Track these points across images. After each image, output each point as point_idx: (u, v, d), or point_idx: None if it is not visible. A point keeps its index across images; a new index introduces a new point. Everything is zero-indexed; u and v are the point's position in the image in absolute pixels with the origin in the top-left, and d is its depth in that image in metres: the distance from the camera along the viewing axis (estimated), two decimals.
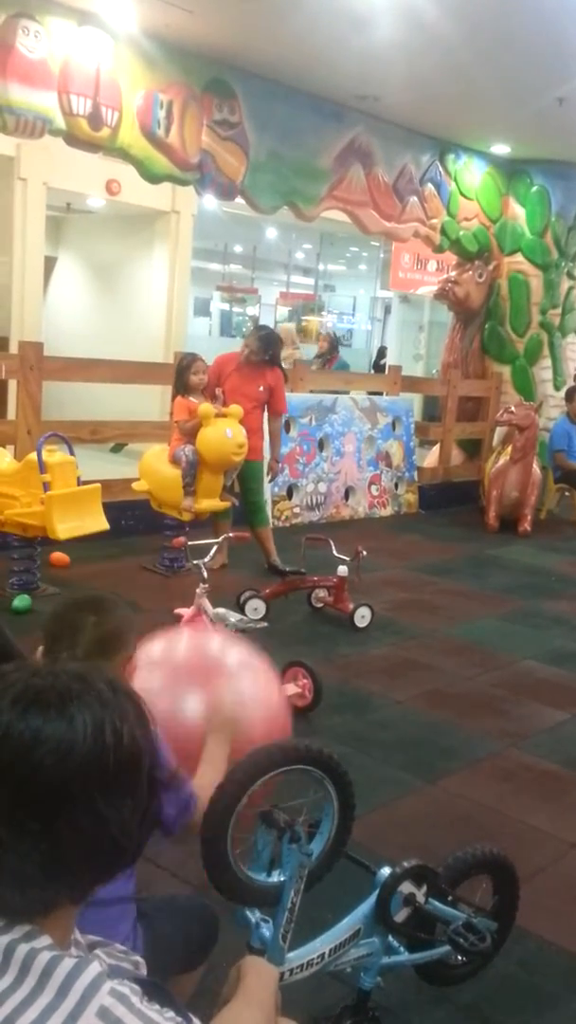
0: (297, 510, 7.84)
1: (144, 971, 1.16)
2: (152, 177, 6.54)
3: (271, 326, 10.05)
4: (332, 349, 11.00)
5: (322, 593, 5.33)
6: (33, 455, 4.97)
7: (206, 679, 2.33)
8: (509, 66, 6.41)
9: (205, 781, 1.87)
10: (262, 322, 14.84)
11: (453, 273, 9.56)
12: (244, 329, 14.89)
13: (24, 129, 5.65)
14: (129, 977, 1.03)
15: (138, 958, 1.18)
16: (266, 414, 6.11)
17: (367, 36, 5.88)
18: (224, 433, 5.52)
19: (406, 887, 2.04)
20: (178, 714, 2.23)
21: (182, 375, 5.73)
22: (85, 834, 0.97)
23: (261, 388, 5.99)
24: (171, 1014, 1.00)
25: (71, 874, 0.99)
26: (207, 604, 3.94)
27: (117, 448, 8.62)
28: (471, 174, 9.01)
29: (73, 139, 5.97)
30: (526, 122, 7.82)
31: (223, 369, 5.99)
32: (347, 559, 5.20)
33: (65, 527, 4.89)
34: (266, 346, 5.97)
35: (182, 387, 5.73)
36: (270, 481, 6.44)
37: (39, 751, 0.95)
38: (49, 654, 1.78)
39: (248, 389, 5.95)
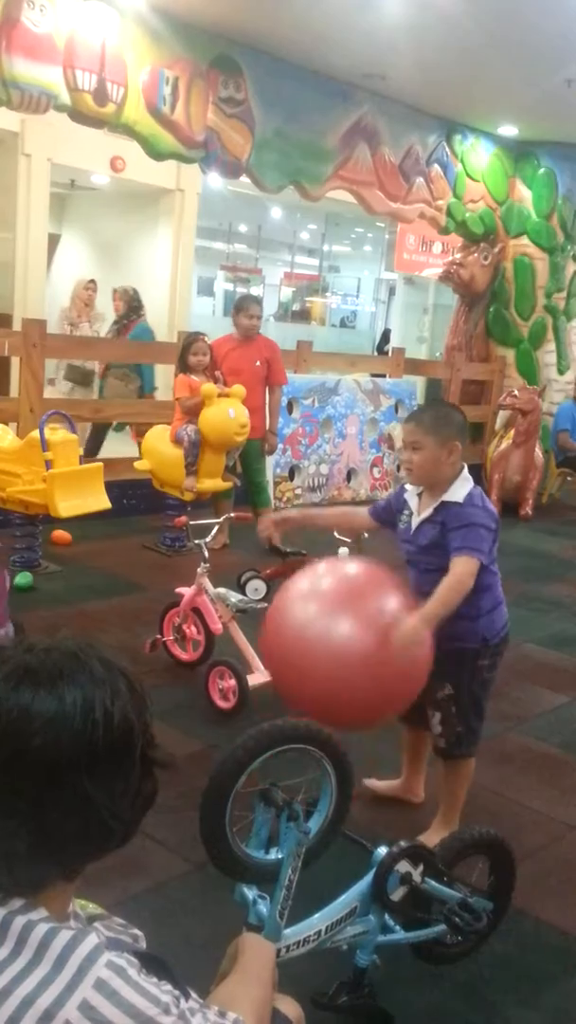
0: (299, 491, 7.84)
1: (143, 944, 1.17)
2: (157, 154, 6.49)
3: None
4: (130, 312, 8.01)
5: None
6: (35, 433, 4.96)
7: (359, 601, 2.47)
8: (518, 46, 6.34)
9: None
10: (267, 303, 14.78)
11: (458, 255, 9.49)
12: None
13: (29, 104, 5.59)
14: (128, 950, 1.04)
15: (137, 931, 1.19)
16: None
17: (375, 14, 5.81)
18: (227, 413, 5.51)
19: (403, 866, 2.06)
20: (334, 637, 2.36)
21: (183, 355, 5.73)
22: (73, 814, 0.97)
23: (258, 363, 5.98)
24: (168, 987, 1.01)
25: (59, 854, 0.99)
26: (208, 583, 3.95)
27: (120, 427, 8.61)
28: (478, 155, 8.93)
29: (78, 115, 5.92)
30: (534, 103, 7.74)
31: (219, 352, 5.97)
32: (348, 541, 5.18)
33: (67, 505, 4.89)
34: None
35: (183, 366, 5.73)
36: (270, 454, 6.41)
37: (28, 728, 0.95)
38: None
39: (246, 366, 5.94)
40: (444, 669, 2.62)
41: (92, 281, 8.44)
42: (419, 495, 2.76)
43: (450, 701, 2.72)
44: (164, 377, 7.89)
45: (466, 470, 2.72)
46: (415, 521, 2.73)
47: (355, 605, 2.45)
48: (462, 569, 2.54)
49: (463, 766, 2.84)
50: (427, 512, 2.69)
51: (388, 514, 2.87)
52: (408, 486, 2.82)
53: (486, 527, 2.62)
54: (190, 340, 5.77)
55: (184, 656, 4.16)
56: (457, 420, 2.73)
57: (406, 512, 2.79)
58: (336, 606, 2.45)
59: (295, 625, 2.44)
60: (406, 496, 2.80)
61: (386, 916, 2.11)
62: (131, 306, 7.96)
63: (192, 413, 5.59)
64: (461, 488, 2.66)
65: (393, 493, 2.91)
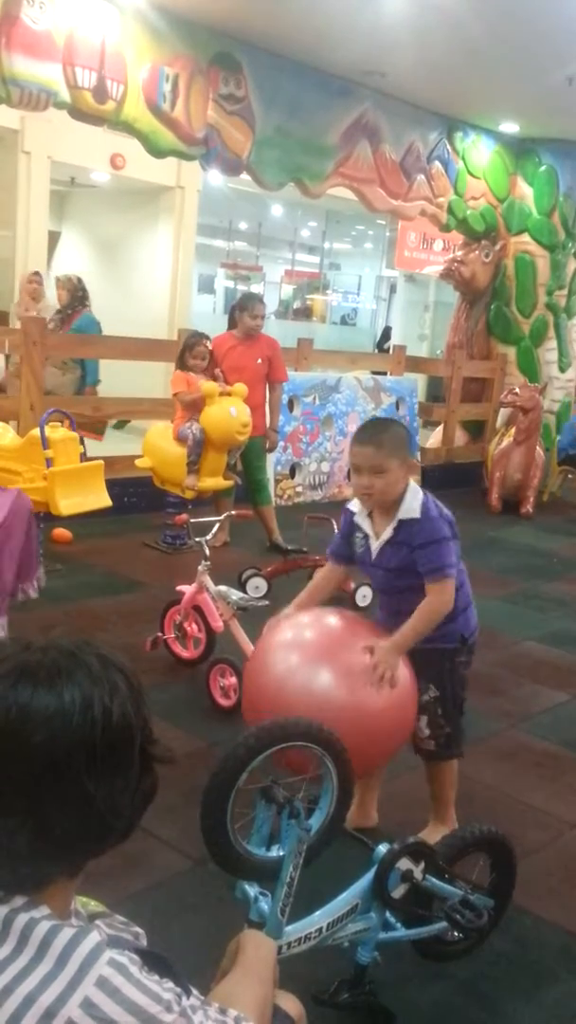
0: (299, 489, 7.84)
1: (144, 941, 1.17)
2: (157, 152, 6.48)
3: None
4: (74, 302, 7.42)
5: None
6: (36, 431, 4.96)
7: (335, 654, 2.42)
8: (519, 44, 6.32)
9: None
10: (268, 301, 14.75)
11: (459, 253, 9.49)
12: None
13: (28, 101, 5.59)
14: (129, 947, 1.04)
15: (138, 929, 1.19)
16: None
17: (375, 11, 5.80)
18: (228, 411, 5.51)
19: (404, 863, 2.06)
20: (313, 689, 2.33)
21: (183, 354, 5.73)
22: (73, 811, 0.97)
23: (259, 360, 5.97)
24: (170, 984, 1.01)
25: (60, 851, 0.99)
26: (209, 581, 3.95)
27: (120, 425, 8.60)
28: (479, 152, 8.92)
29: (78, 112, 5.91)
30: (535, 100, 7.73)
31: (219, 350, 5.95)
32: None
33: (68, 503, 4.89)
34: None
35: (182, 364, 5.74)
36: (271, 451, 6.41)
37: (26, 726, 0.95)
38: None
39: (246, 363, 5.92)
40: (426, 671, 2.59)
41: (36, 273, 8.26)
42: (369, 515, 2.64)
43: (436, 703, 2.67)
44: (162, 376, 7.89)
45: (411, 480, 2.62)
46: (375, 545, 2.61)
47: (336, 656, 2.41)
48: (438, 596, 2.50)
49: (449, 766, 2.81)
50: (387, 534, 2.57)
51: (348, 548, 2.72)
52: (354, 507, 2.68)
53: (448, 536, 2.54)
54: (193, 341, 5.76)
55: (185, 654, 4.16)
56: (405, 433, 2.65)
57: (359, 535, 2.66)
58: (317, 657, 2.40)
59: (276, 677, 2.40)
60: (356, 519, 2.66)
61: (387, 913, 2.12)
62: (75, 296, 7.41)
63: (191, 409, 5.59)
64: (414, 501, 2.55)
65: (342, 521, 2.74)
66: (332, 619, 2.59)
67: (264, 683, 2.44)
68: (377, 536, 2.60)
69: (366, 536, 2.64)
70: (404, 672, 2.47)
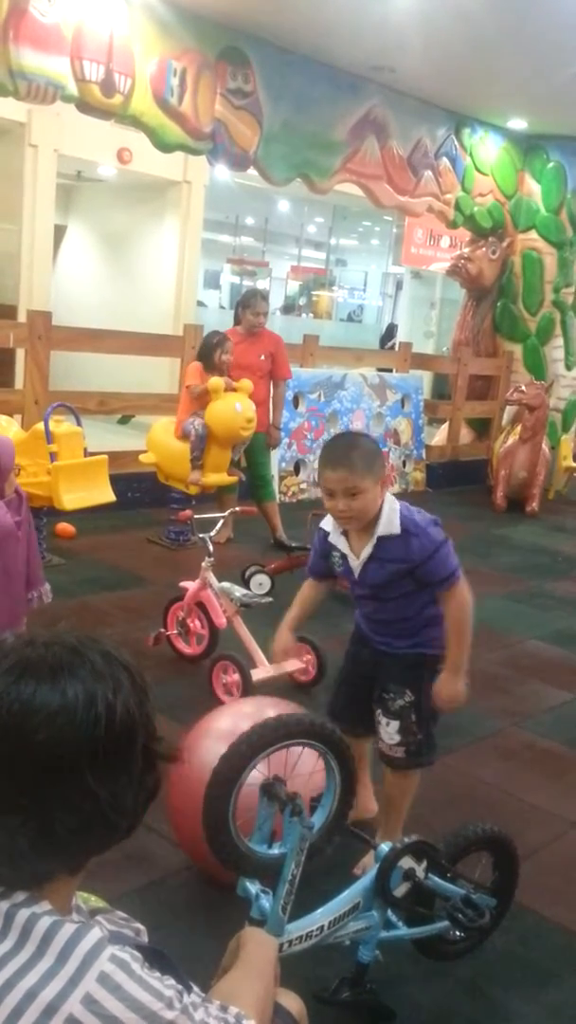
0: (304, 486, 7.83)
1: (145, 938, 1.17)
2: (164, 146, 6.47)
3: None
4: None
5: None
6: (40, 425, 4.96)
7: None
8: (528, 40, 6.30)
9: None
10: (273, 297, 14.74)
11: (466, 249, 9.46)
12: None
13: (36, 95, 5.57)
14: (130, 944, 1.04)
15: (139, 925, 1.18)
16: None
17: (384, 6, 5.78)
18: (233, 407, 5.50)
19: (406, 862, 2.05)
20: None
21: (212, 351, 5.67)
22: (75, 810, 0.96)
23: (263, 356, 5.96)
24: (171, 981, 1.00)
25: (63, 848, 0.98)
26: (212, 578, 3.94)
27: (124, 420, 8.60)
28: (487, 149, 8.90)
29: (85, 106, 5.90)
30: (544, 97, 7.71)
31: None
32: None
33: (71, 498, 4.88)
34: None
35: (207, 362, 5.66)
36: (274, 448, 6.40)
37: (29, 722, 0.94)
38: None
39: (250, 360, 5.91)
40: (404, 675, 2.54)
41: None
42: (343, 533, 2.52)
43: (410, 708, 2.56)
44: (166, 371, 7.88)
45: (387, 493, 2.47)
46: (355, 563, 2.49)
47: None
48: (458, 603, 2.45)
49: (414, 776, 2.68)
50: (367, 550, 2.46)
51: (327, 564, 2.61)
52: (327, 526, 2.56)
53: (444, 540, 2.46)
54: (221, 339, 5.72)
55: (188, 650, 4.16)
56: (374, 445, 2.50)
57: (336, 554, 2.54)
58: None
59: (202, 766, 2.06)
60: (330, 539, 2.55)
61: (389, 912, 2.11)
62: None
63: (199, 402, 5.58)
64: (393, 516, 2.42)
65: (315, 541, 2.62)
66: (270, 710, 2.43)
67: (187, 773, 2.23)
68: (356, 555, 2.49)
69: (343, 555, 2.52)
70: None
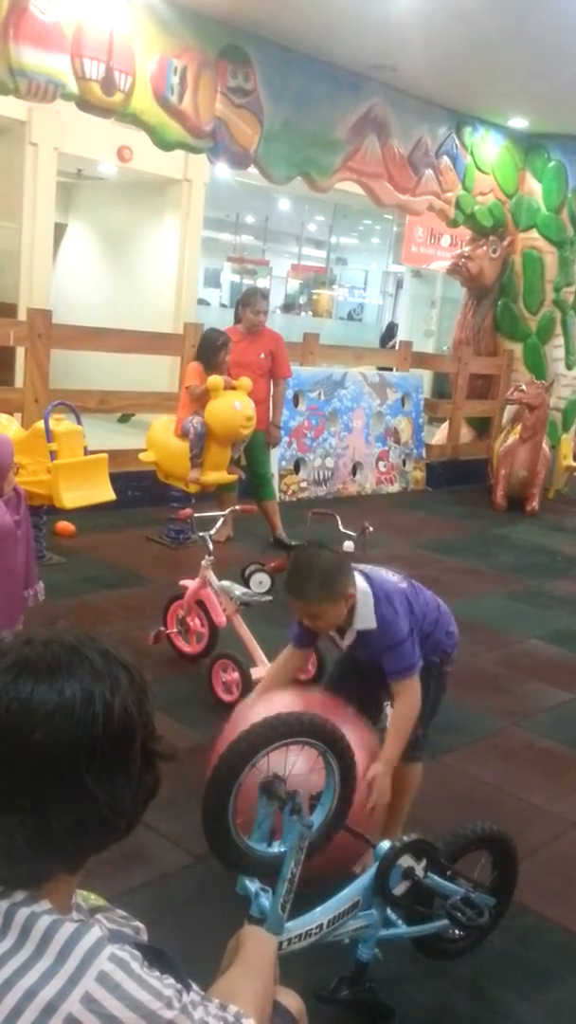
0: (304, 485, 7.83)
1: (144, 936, 1.16)
2: (165, 144, 6.46)
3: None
4: None
5: None
6: (40, 423, 4.96)
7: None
8: (529, 39, 6.29)
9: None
10: (274, 295, 14.73)
11: (467, 248, 9.46)
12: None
13: (36, 93, 5.57)
14: (129, 942, 1.03)
15: (138, 923, 1.18)
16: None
17: (385, 5, 5.78)
18: (233, 405, 5.50)
19: (405, 861, 2.05)
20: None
21: (216, 352, 5.65)
22: (73, 809, 0.96)
23: (263, 355, 5.96)
24: (171, 980, 1.00)
25: (61, 848, 0.98)
26: (212, 576, 3.94)
27: (124, 419, 8.60)
28: (488, 148, 8.89)
29: (85, 104, 5.89)
30: (545, 96, 7.70)
31: None
32: (353, 535, 5.17)
33: (71, 496, 4.88)
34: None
35: (209, 363, 5.65)
36: (273, 446, 6.39)
37: (27, 721, 0.94)
38: None
39: (250, 358, 5.91)
40: None
41: None
42: None
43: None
44: (166, 369, 7.88)
45: (359, 579, 2.48)
46: (342, 643, 2.60)
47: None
48: (406, 699, 2.47)
49: (416, 769, 2.71)
50: (349, 639, 2.56)
51: (311, 635, 2.62)
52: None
53: (406, 632, 2.48)
54: (225, 340, 5.70)
55: (187, 648, 4.16)
56: (335, 563, 2.45)
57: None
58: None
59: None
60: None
61: (388, 910, 2.11)
62: None
63: (199, 402, 5.58)
64: (366, 611, 2.47)
65: (299, 624, 2.59)
66: (307, 699, 2.47)
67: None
68: (341, 637, 2.58)
69: (330, 637, 2.62)
70: (365, 756, 2.32)
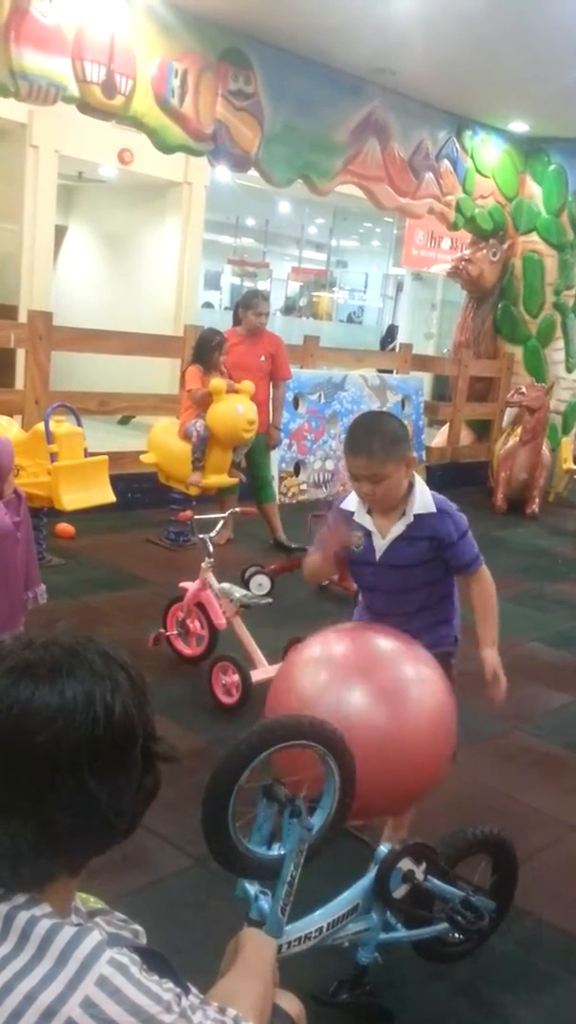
0: (304, 487, 7.82)
1: (143, 939, 1.16)
2: (165, 147, 6.47)
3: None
4: None
5: None
6: (40, 425, 4.96)
7: (368, 672, 2.26)
8: (530, 42, 6.30)
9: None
10: (274, 298, 14.74)
11: (467, 251, 9.46)
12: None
13: (37, 96, 5.57)
14: (129, 946, 1.03)
15: (138, 927, 1.18)
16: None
17: (386, 8, 5.78)
18: (235, 409, 5.50)
19: (405, 864, 2.05)
20: (342, 707, 2.12)
21: (212, 352, 5.65)
22: (75, 810, 0.96)
23: (263, 357, 5.96)
24: (169, 984, 1.00)
25: (62, 850, 0.98)
26: (212, 578, 3.94)
27: (125, 420, 8.59)
28: (488, 151, 8.90)
29: (86, 107, 5.90)
30: (546, 100, 7.70)
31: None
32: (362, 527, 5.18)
33: (71, 498, 4.88)
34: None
35: (206, 363, 5.65)
36: (273, 448, 6.39)
37: (28, 724, 0.94)
38: None
39: (250, 361, 5.90)
40: None
41: None
42: (368, 511, 2.48)
43: None
44: (167, 371, 7.88)
45: (414, 473, 2.46)
46: (381, 543, 2.45)
47: (372, 674, 2.22)
48: (486, 584, 2.57)
49: None
50: (398, 529, 2.43)
51: (339, 551, 2.55)
52: (351, 506, 2.50)
53: (466, 524, 2.50)
54: (221, 340, 5.70)
55: (187, 651, 4.16)
56: (397, 427, 2.45)
57: (358, 535, 2.48)
58: (350, 675, 2.21)
59: (302, 698, 2.16)
60: (355, 518, 2.49)
61: (388, 914, 2.11)
62: None
63: (201, 405, 5.57)
64: (425, 494, 2.43)
65: (333, 519, 2.51)
66: (364, 632, 2.44)
67: (288, 705, 2.20)
68: (383, 534, 2.46)
69: (368, 534, 2.48)
70: (444, 689, 2.33)
